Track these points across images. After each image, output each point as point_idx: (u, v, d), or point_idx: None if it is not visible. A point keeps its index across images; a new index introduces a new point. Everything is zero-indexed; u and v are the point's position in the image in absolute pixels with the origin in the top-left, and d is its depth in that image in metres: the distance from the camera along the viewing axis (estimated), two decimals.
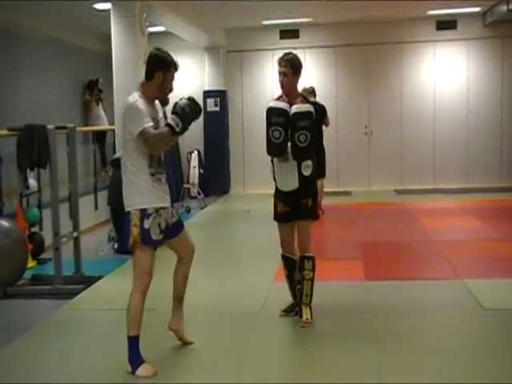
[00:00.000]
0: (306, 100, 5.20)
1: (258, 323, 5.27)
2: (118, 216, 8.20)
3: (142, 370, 4.16)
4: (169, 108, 4.33)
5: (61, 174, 7.05)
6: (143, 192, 4.20)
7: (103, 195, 9.69)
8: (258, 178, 13.42)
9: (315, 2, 11.31)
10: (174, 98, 4.33)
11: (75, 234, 7.15)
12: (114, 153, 9.18)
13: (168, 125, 4.15)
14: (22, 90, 8.93)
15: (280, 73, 5.09)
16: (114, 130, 9.33)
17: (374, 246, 8.17)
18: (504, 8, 11.74)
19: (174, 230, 4.39)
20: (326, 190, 10.59)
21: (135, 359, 4.19)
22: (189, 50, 13.22)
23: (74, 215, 7.26)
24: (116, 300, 5.82)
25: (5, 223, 6.79)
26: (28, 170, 7.84)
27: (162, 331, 4.73)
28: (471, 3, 12.34)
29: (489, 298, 5.70)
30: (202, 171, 13.71)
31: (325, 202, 10.63)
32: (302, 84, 8.98)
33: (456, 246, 7.97)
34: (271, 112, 5.04)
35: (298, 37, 13.88)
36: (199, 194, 12.90)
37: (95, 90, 11.25)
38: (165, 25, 11.08)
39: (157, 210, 4.22)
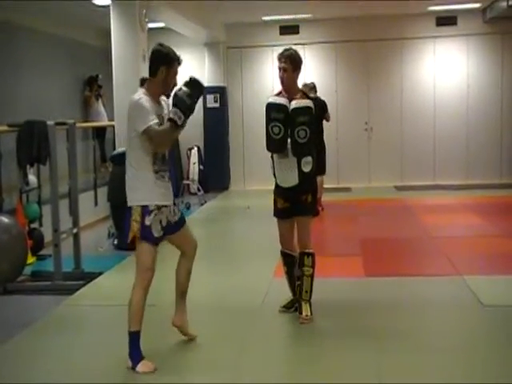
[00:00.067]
0: (305, 96, 5.19)
1: (257, 319, 5.27)
2: (118, 212, 8.26)
3: (142, 366, 4.16)
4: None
5: (61, 170, 7.05)
6: (146, 189, 4.22)
7: (103, 191, 9.69)
8: (257, 175, 13.42)
9: (315, 2, 11.32)
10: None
11: (75, 230, 7.15)
12: (114, 149, 9.18)
13: (170, 119, 4.16)
14: (22, 86, 8.91)
15: (280, 68, 5.08)
16: (113, 126, 9.34)
17: (373, 243, 8.17)
18: (504, 4, 11.73)
19: (174, 227, 4.40)
20: (325, 186, 10.59)
21: (136, 355, 4.20)
22: (188, 46, 13.19)
23: (73, 211, 7.25)
24: (116, 296, 5.84)
25: (4, 219, 6.79)
26: (28, 166, 7.82)
27: (163, 327, 4.74)
28: None
29: (488, 294, 5.70)
30: (201, 167, 13.71)
31: (325, 198, 10.63)
32: (302, 80, 8.98)
33: (456, 243, 7.98)
34: (271, 107, 5.04)
35: (298, 33, 13.87)
36: (199, 190, 12.90)
37: (95, 85, 11.24)
38: (164, 21, 11.07)
39: (159, 208, 4.23)
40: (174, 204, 4.44)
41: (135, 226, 4.19)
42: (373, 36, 13.70)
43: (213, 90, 13.87)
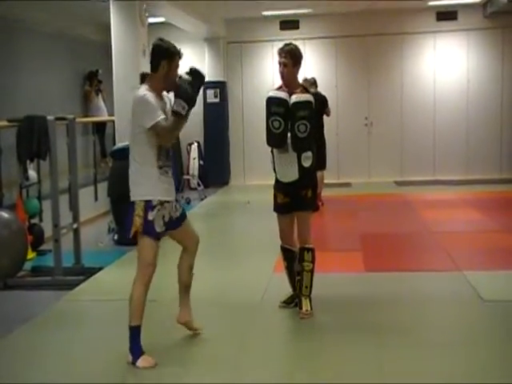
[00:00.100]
0: (306, 90, 5.19)
1: (257, 314, 5.28)
2: (118, 207, 8.27)
3: (142, 361, 4.17)
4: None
5: (61, 165, 7.05)
6: (149, 184, 4.23)
7: (103, 186, 9.69)
8: (257, 169, 13.41)
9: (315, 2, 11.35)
10: None
11: (75, 226, 7.15)
12: (114, 144, 9.18)
13: (175, 112, 4.16)
14: (22, 81, 8.90)
15: (280, 63, 5.07)
16: (113, 121, 9.33)
17: (373, 238, 8.17)
18: None
19: (176, 222, 4.41)
20: (325, 181, 10.59)
21: (136, 350, 4.21)
22: (189, 41, 13.14)
23: (73, 206, 7.25)
24: (116, 291, 5.84)
25: (4, 214, 6.79)
26: (28, 161, 7.82)
27: (163, 322, 4.75)
28: None
29: (488, 289, 5.70)
30: (201, 162, 13.70)
31: (324, 193, 10.63)
32: (303, 75, 8.98)
33: (456, 238, 7.97)
34: (271, 101, 5.04)
35: (298, 28, 13.85)
36: (199, 185, 12.90)
37: (95, 80, 11.22)
38: (165, 15, 11.04)
39: (161, 203, 4.25)
40: (176, 200, 4.45)
41: (138, 221, 4.21)
42: (373, 31, 13.68)
43: (213, 85, 13.86)
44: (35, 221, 8.35)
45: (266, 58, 13.91)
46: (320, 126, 9.51)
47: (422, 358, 4.24)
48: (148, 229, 4.21)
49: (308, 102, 5.00)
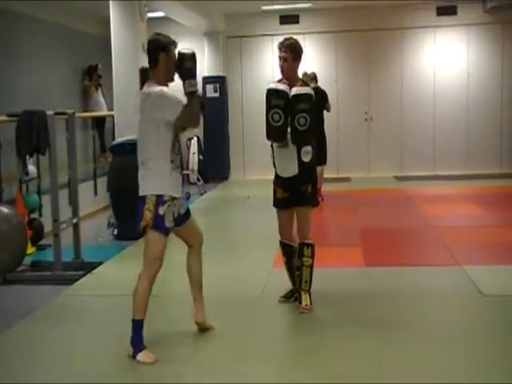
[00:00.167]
0: (306, 84, 5.18)
1: (257, 309, 5.28)
2: (118, 202, 8.27)
3: (142, 356, 4.17)
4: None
5: (60, 160, 7.04)
6: (161, 178, 4.24)
7: (103, 181, 9.68)
8: (257, 164, 13.41)
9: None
10: (174, 85, 4.38)
11: (75, 220, 7.14)
12: (114, 139, 9.17)
13: (189, 93, 4.17)
14: (21, 76, 8.88)
15: (280, 58, 5.06)
16: (113, 116, 9.32)
17: (373, 232, 8.17)
18: None
19: (182, 219, 4.43)
20: (325, 176, 10.58)
21: (137, 343, 4.21)
22: (188, 36, 13.12)
23: (73, 201, 7.25)
24: (116, 286, 5.85)
25: (4, 209, 6.78)
26: (27, 156, 7.82)
27: (164, 318, 4.74)
28: None
29: (488, 284, 5.71)
30: (201, 157, 13.69)
31: (324, 188, 10.62)
32: (302, 69, 8.96)
33: (455, 233, 7.97)
34: (271, 93, 5.02)
35: (297, 22, 13.83)
36: (199, 180, 12.90)
37: (94, 75, 11.20)
38: (164, 10, 11.03)
39: (172, 199, 4.25)
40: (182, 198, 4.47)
41: (148, 215, 4.21)
42: (373, 26, 13.66)
43: (212, 79, 13.86)
44: (35, 215, 8.35)
45: (265, 52, 13.90)
46: (320, 122, 9.50)
47: (422, 352, 4.24)
48: (158, 223, 4.21)
49: (308, 95, 4.98)
